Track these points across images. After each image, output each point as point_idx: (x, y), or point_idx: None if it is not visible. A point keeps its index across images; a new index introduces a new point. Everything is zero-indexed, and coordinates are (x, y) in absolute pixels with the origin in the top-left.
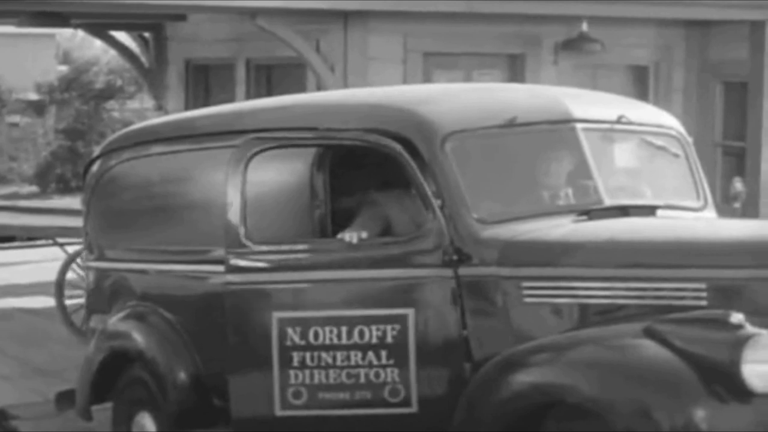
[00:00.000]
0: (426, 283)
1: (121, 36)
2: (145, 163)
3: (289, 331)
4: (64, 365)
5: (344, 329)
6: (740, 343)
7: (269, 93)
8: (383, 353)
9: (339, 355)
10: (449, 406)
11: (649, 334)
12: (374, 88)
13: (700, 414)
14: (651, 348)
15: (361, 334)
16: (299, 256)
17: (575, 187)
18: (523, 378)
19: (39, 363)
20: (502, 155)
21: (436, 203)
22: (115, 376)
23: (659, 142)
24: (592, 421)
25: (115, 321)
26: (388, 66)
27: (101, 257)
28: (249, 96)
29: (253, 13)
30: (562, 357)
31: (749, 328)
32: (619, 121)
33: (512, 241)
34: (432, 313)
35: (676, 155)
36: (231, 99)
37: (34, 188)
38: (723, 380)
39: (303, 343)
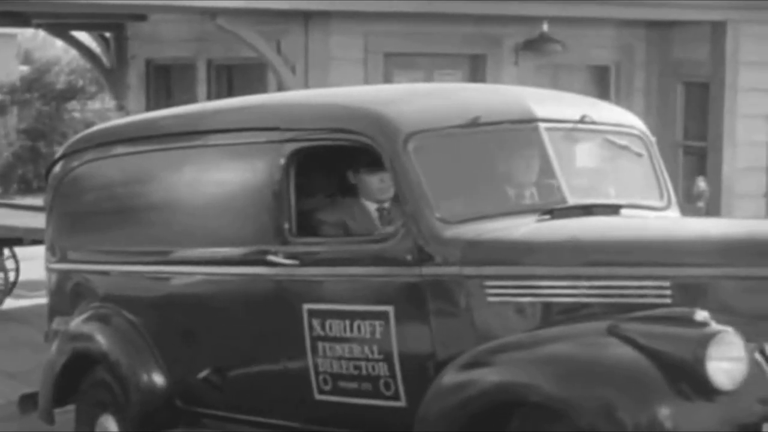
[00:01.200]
0: (399, 281)
1: (83, 36)
2: (108, 164)
3: (314, 322)
4: (30, 368)
5: (347, 323)
6: (705, 340)
7: (230, 93)
8: (375, 348)
9: (346, 347)
10: None
11: (613, 332)
12: (338, 89)
13: (664, 412)
14: (615, 346)
15: (359, 328)
16: (327, 251)
17: (538, 186)
18: (486, 377)
19: (3, 365)
20: (465, 155)
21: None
22: (77, 379)
23: (622, 141)
24: (557, 420)
25: (77, 323)
26: (348, 66)
27: (63, 259)
28: (210, 96)
29: (214, 13)
30: (525, 356)
31: (714, 326)
32: (582, 120)
33: (475, 241)
34: (405, 311)
35: (639, 155)
36: (192, 99)
37: None
38: (688, 378)
39: (323, 333)
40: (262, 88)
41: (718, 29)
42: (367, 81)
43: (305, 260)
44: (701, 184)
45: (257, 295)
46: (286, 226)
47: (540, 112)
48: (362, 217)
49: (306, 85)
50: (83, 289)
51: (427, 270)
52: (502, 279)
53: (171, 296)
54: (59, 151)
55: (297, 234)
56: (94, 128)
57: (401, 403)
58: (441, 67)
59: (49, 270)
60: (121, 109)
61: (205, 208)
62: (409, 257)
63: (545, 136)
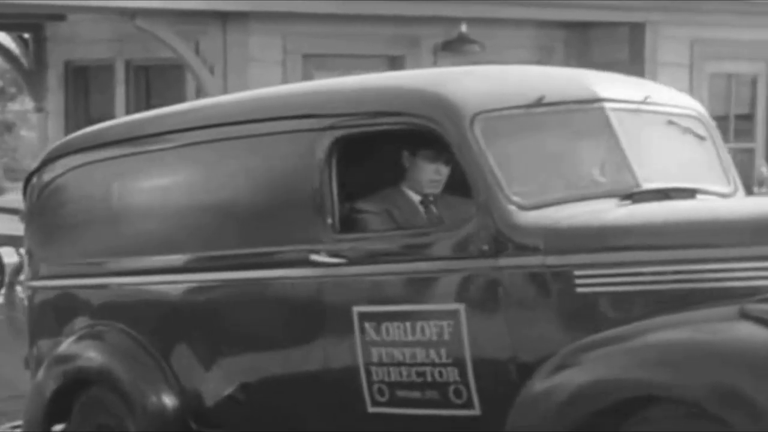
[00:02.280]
0: (470, 276)
1: (1, 37)
2: (101, 168)
3: (367, 326)
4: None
5: (408, 325)
6: None
7: (148, 94)
8: (443, 351)
9: (407, 352)
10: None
11: (747, 314)
12: (382, 73)
13: None
14: (751, 329)
15: (423, 330)
16: (380, 246)
17: (609, 169)
18: (589, 375)
19: None
20: (531, 137)
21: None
22: (68, 405)
23: (685, 123)
24: (680, 418)
25: (69, 343)
26: (267, 67)
27: (48, 275)
28: (128, 97)
29: (132, 13)
30: (637, 346)
31: None
32: (645, 101)
33: (558, 227)
34: (479, 308)
35: (701, 138)
36: (110, 100)
37: None
38: None
39: (378, 338)
40: (180, 89)
41: (636, 31)
42: (285, 82)
43: (354, 258)
44: (763, 169)
45: (295, 300)
46: (329, 221)
47: (603, 92)
48: (407, 207)
49: (224, 86)
50: (74, 307)
51: (505, 261)
52: (594, 267)
53: (186, 307)
54: (37, 160)
55: (340, 230)
56: (81, 132)
57: (475, 411)
58: (360, 67)
59: (30, 288)
60: (41, 110)
61: (227, 208)
62: (483, 248)
63: (612, 117)
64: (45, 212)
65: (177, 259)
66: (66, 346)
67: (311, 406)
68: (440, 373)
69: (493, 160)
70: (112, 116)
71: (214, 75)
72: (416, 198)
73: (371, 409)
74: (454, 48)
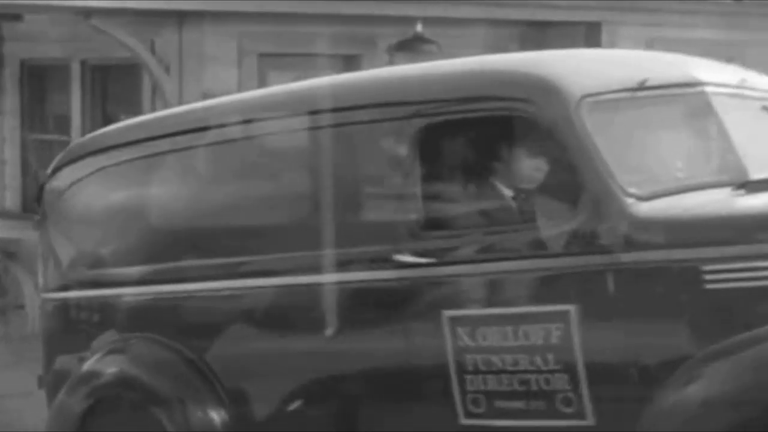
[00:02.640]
0: (581, 273)
1: None
2: (134, 168)
3: (459, 331)
4: None
5: (509, 329)
6: None
7: (104, 94)
8: (550, 356)
9: (508, 358)
10: (629, 419)
11: None
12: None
13: None
14: None
15: (527, 334)
16: (475, 244)
17: (716, 156)
18: (746, 380)
19: None
20: (637, 122)
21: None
22: (96, 426)
23: None
24: None
25: (99, 359)
26: (223, 67)
27: (71, 285)
28: (84, 97)
29: (87, 13)
30: None
31: None
32: (742, 84)
33: (683, 219)
34: (592, 309)
35: None
36: (66, 100)
37: None
38: None
39: (473, 344)
40: (136, 89)
41: (592, 30)
42: (241, 81)
43: (444, 258)
44: None
45: (375, 304)
46: (414, 217)
47: (702, 75)
48: (499, 202)
49: (180, 85)
50: (101, 319)
51: (622, 257)
52: (726, 262)
53: (244, 315)
54: (53, 164)
55: (426, 227)
56: (92, 135)
57: (586, 421)
58: (316, 67)
59: (46, 301)
60: None
61: (294, 205)
62: (596, 243)
63: (714, 101)
64: (68, 218)
65: (233, 263)
66: (94, 361)
67: (394, 420)
68: (547, 381)
69: (603, 148)
70: (68, 116)
71: (169, 74)
72: (509, 192)
73: (464, 421)
74: (410, 47)
